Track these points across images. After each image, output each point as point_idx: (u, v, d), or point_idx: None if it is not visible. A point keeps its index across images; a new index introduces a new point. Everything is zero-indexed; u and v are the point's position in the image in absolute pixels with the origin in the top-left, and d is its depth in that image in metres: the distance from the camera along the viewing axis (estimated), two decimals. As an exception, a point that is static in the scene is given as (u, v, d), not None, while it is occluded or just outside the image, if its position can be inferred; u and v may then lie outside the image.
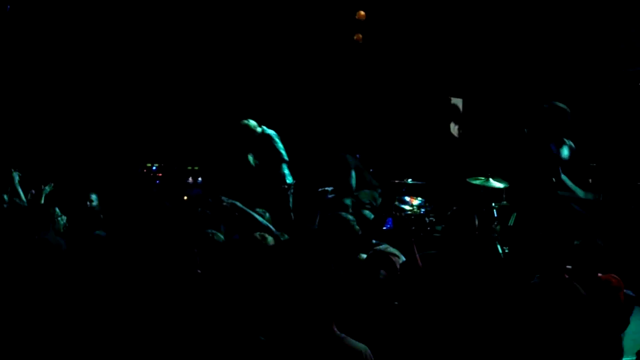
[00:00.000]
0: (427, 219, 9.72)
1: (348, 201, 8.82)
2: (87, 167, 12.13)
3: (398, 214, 5.20)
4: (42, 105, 12.33)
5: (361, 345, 3.85)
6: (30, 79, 12.21)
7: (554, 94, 11.40)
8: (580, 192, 8.64)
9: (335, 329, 3.87)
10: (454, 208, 5.80)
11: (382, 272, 4.76)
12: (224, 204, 6.80)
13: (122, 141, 12.50)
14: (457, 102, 12.14)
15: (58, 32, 12.26)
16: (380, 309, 4.35)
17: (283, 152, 9.98)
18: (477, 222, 5.66)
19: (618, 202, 8.76)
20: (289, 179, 9.88)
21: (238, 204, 6.82)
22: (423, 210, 10.03)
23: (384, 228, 5.33)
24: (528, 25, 11.53)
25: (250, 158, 10.08)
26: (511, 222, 8.74)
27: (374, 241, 5.66)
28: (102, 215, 7.02)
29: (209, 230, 5.75)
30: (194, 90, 12.36)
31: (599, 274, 5.67)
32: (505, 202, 9.93)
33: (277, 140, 10.01)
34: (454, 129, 12.07)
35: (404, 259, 4.99)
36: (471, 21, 11.94)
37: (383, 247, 5.38)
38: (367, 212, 6.88)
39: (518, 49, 11.64)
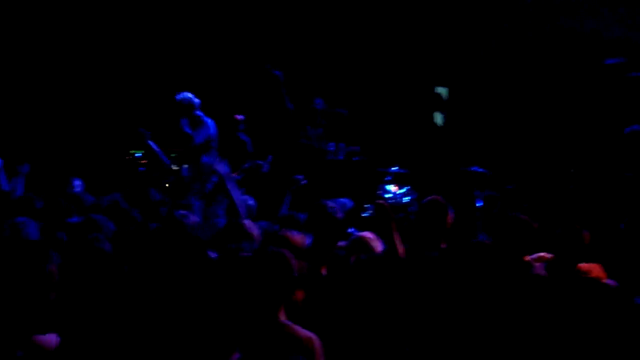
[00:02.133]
0: (410, 208, 9.71)
1: None
2: (70, 153, 12.11)
3: (381, 201, 5.13)
4: (25, 90, 12.29)
5: (308, 333, 3.78)
6: (14, 63, 12.17)
7: (537, 83, 11.48)
8: None
9: (282, 316, 3.86)
10: (427, 198, 5.68)
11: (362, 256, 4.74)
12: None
13: (107, 128, 12.47)
14: (442, 90, 12.13)
15: (44, 20, 12.22)
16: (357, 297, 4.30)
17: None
18: (451, 214, 5.51)
19: (604, 191, 8.77)
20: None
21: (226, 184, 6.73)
22: (407, 198, 10.02)
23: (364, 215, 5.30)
24: (512, 14, 11.54)
25: None
26: None
27: (352, 230, 5.64)
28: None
29: (180, 212, 5.73)
30: (180, 75, 12.32)
31: (581, 264, 5.66)
32: (490, 191, 9.95)
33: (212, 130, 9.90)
34: (438, 117, 12.07)
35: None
36: (456, 10, 11.93)
37: (364, 234, 5.35)
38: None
39: (502, 38, 11.65)
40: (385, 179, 10.23)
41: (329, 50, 12.39)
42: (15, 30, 12.16)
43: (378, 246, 5.12)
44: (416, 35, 12.20)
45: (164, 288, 4.07)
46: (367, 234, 5.30)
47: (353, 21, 12.27)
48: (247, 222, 5.43)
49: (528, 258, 5.70)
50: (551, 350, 3.53)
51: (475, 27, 11.88)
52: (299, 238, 4.90)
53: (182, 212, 5.87)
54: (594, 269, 5.68)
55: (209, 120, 9.97)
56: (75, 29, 12.42)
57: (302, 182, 7.55)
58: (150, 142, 10.27)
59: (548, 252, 5.80)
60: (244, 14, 12.44)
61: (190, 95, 9.81)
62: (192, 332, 3.37)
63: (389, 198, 9.81)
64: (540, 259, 5.86)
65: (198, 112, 9.89)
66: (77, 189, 9.50)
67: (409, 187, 10.20)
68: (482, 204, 9.64)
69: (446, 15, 12.01)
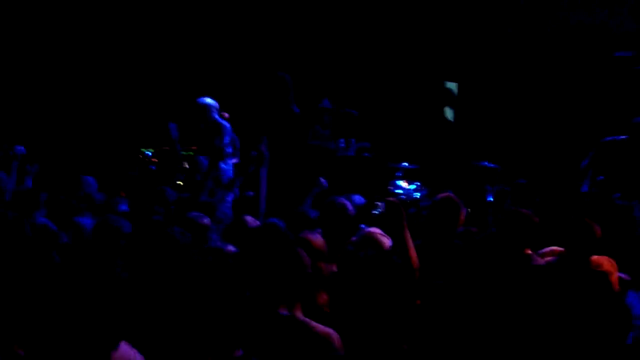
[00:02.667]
0: (421, 204, 9.69)
1: None
2: (81, 151, 12.12)
3: (391, 198, 5.13)
4: (36, 89, 12.32)
5: (326, 329, 3.79)
6: (24, 60, 12.21)
7: (544, 77, 11.46)
8: None
9: (299, 313, 3.86)
10: (439, 194, 5.67)
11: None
12: None
13: (117, 126, 12.49)
14: (452, 86, 12.11)
15: (58, 19, 12.27)
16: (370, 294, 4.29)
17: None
18: (464, 211, 5.51)
19: (614, 186, 8.76)
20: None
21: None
22: (418, 194, 10.01)
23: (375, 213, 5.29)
24: (522, 8, 11.53)
25: None
26: None
27: (362, 225, 5.62)
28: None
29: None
30: (190, 74, 12.33)
31: (592, 257, 5.64)
32: (501, 186, 9.93)
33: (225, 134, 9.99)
34: (448, 112, 12.05)
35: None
36: (465, 5, 11.92)
37: (372, 230, 5.34)
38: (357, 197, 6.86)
39: (512, 32, 11.63)
40: (396, 174, 10.22)
41: (338, 48, 12.38)
42: (26, 29, 12.20)
43: (386, 242, 5.11)
44: (425, 30, 12.19)
45: (173, 285, 4.07)
46: (376, 230, 5.29)
47: (362, 18, 12.26)
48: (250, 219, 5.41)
49: (539, 252, 5.70)
50: (548, 338, 3.52)
51: (484, 22, 11.86)
52: (320, 241, 4.87)
53: (195, 213, 5.86)
54: (604, 262, 5.67)
55: (226, 123, 10.10)
56: (88, 29, 12.46)
57: (324, 186, 7.51)
58: (176, 139, 10.28)
59: (560, 246, 5.79)
60: (251, 16, 12.45)
61: (210, 99, 9.91)
62: (196, 329, 3.36)
63: (400, 194, 9.80)
64: (551, 252, 5.86)
65: (216, 116, 9.99)
66: (89, 188, 9.50)
67: (419, 183, 10.19)
68: (492, 199, 9.62)
69: (455, 10, 12.00)
